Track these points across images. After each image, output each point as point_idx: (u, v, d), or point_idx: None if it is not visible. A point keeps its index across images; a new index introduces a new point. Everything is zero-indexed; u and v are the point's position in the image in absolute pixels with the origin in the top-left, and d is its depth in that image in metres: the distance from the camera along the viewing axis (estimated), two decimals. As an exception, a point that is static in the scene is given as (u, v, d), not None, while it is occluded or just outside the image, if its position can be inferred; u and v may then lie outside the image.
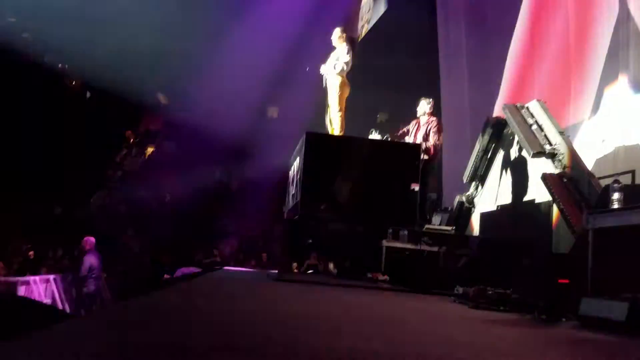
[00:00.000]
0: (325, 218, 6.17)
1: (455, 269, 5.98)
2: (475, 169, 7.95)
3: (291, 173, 7.16)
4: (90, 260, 10.19)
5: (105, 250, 11.25)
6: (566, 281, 3.76)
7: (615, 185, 3.93)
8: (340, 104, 6.72)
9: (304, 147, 6.04)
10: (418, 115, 7.32)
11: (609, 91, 7.22)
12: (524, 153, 6.74)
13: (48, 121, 16.83)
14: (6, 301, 4.75)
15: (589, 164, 6.38)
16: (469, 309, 4.20)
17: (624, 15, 7.02)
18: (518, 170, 7.02)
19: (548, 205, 6.12)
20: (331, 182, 5.96)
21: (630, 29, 6.90)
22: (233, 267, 10.71)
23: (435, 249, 6.11)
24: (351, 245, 7.34)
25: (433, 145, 7.02)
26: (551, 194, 5.89)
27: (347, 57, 6.65)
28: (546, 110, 6.80)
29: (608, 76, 7.26)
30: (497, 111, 8.55)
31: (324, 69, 6.82)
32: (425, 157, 6.85)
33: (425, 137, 7.02)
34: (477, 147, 7.88)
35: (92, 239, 10.50)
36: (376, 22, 16.22)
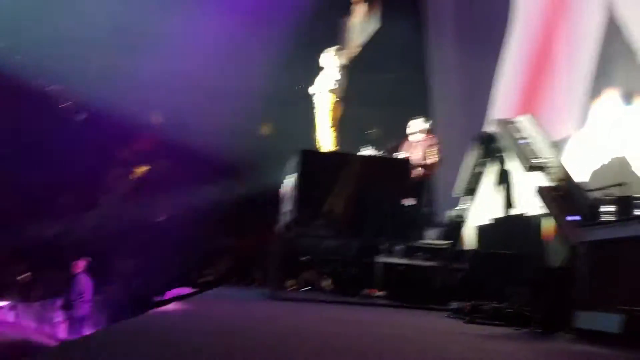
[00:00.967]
0: (320, 234, 6.16)
1: (450, 284, 5.98)
2: (467, 183, 7.99)
3: (284, 190, 7.16)
4: (81, 283, 10.08)
5: (97, 272, 11.14)
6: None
7: (607, 198, 3.96)
8: (332, 121, 6.76)
9: (298, 164, 6.06)
10: (413, 132, 7.33)
11: (597, 104, 7.31)
12: (515, 167, 6.79)
13: (41, 142, 16.75)
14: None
15: (580, 176, 6.43)
16: (465, 324, 4.19)
17: (611, 29, 7.14)
18: (509, 184, 7.06)
19: (541, 218, 6.16)
20: (326, 199, 5.97)
21: (617, 42, 7.01)
22: (228, 286, 10.63)
23: (430, 263, 6.11)
24: (346, 261, 7.32)
25: (433, 162, 7.04)
26: (546, 207, 5.92)
27: (339, 77, 6.71)
28: (536, 124, 6.87)
29: (596, 89, 7.36)
30: (488, 126, 8.63)
31: (316, 88, 6.86)
32: (424, 173, 6.88)
33: (425, 155, 7.03)
34: (468, 162, 7.93)
35: (83, 262, 10.40)
36: (367, 40, 16.39)
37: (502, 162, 7.29)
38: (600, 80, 7.26)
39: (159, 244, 16.33)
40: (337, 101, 6.75)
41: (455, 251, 6.92)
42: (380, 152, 7.17)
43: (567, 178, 6.10)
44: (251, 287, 10.71)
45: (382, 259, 6.19)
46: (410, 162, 6.60)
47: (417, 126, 7.24)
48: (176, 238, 16.84)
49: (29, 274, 13.10)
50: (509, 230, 6.89)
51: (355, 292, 6.69)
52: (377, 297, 6.20)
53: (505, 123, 7.20)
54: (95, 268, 11.08)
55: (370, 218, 5.98)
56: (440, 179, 10.93)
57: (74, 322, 10.12)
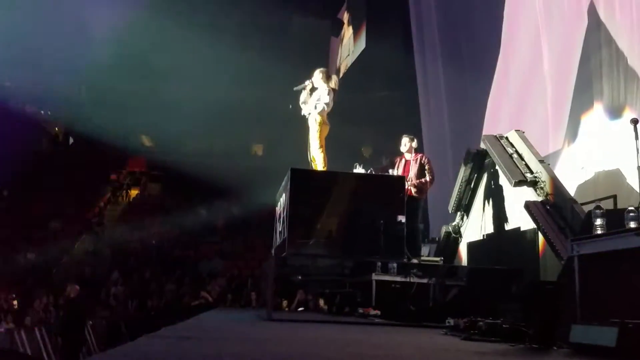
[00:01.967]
0: (313, 253, 6.13)
1: (445, 301, 5.96)
2: (460, 199, 8.03)
3: (278, 210, 7.15)
4: (75, 307, 9.97)
5: (91, 297, 11.03)
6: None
7: (598, 211, 3.98)
8: (320, 141, 6.78)
9: (289, 183, 6.05)
10: (403, 151, 7.35)
11: (585, 119, 7.40)
12: (506, 182, 6.83)
13: (31, 168, 16.72)
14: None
15: (571, 190, 6.48)
16: (461, 341, 4.18)
17: (596, 44, 7.26)
18: (501, 199, 7.09)
19: (533, 232, 6.18)
20: (318, 218, 5.95)
21: (603, 57, 7.12)
22: (222, 308, 10.55)
23: (425, 280, 6.10)
24: (341, 280, 7.29)
25: (428, 181, 7.04)
26: (535, 221, 5.95)
27: (328, 98, 6.74)
28: (525, 139, 6.94)
29: (583, 104, 7.46)
30: (478, 142, 8.70)
31: (306, 109, 6.89)
32: (418, 192, 6.89)
33: (418, 174, 7.03)
34: (460, 178, 7.97)
35: (77, 287, 10.31)
36: (355, 59, 16.58)
37: (492, 178, 7.34)
38: (588, 95, 7.37)
39: (152, 266, 16.23)
40: (324, 122, 6.78)
41: (449, 267, 6.92)
42: (372, 170, 7.18)
43: (557, 192, 6.14)
44: (246, 309, 10.64)
45: (376, 276, 6.17)
46: (403, 179, 6.62)
47: (407, 144, 7.27)
48: (170, 260, 16.76)
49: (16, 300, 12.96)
50: (503, 246, 6.91)
51: (351, 311, 6.65)
52: (373, 316, 6.16)
53: (495, 139, 7.26)
54: (89, 293, 10.98)
55: (363, 236, 5.96)
56: (433, 196, 10.98)
57: (69, 348, 9.98)
